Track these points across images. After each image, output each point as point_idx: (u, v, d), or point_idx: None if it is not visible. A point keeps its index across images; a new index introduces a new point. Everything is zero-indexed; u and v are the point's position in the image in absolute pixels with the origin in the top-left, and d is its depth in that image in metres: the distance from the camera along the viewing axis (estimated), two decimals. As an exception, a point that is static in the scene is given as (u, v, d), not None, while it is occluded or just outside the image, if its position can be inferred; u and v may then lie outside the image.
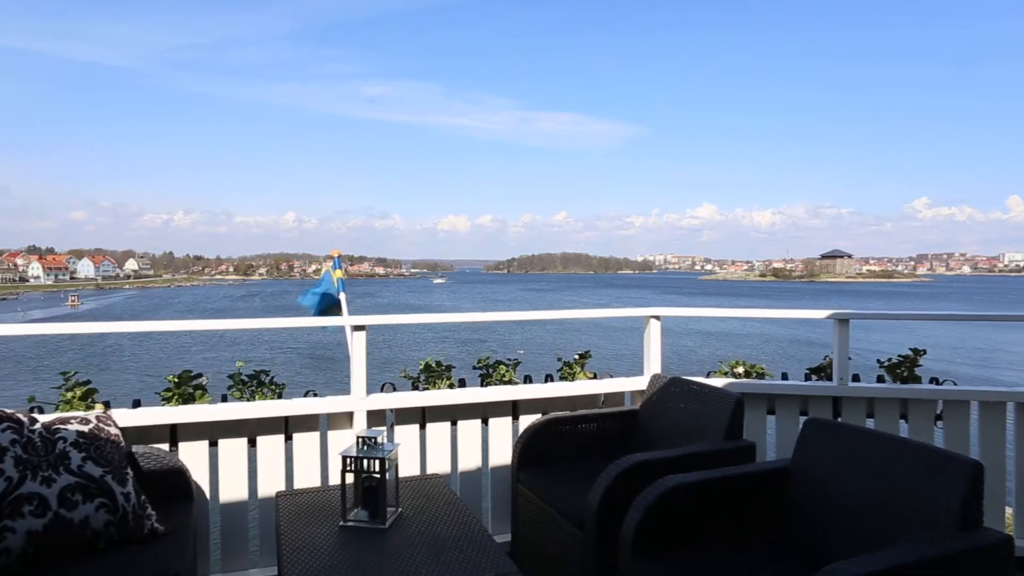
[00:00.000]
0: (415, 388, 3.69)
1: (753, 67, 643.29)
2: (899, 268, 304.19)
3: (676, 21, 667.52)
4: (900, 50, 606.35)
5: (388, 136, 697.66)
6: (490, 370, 3.93)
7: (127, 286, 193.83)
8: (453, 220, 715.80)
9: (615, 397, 3.95)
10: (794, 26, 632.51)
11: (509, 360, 4.01)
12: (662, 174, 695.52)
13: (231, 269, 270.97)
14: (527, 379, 3.90)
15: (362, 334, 3.39)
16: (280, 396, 3.41)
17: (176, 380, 3.26)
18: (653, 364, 3.88)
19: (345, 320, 3.75)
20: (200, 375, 3.34)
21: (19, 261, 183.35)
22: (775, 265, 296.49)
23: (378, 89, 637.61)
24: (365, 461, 2.42)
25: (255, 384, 3.41)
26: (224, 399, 3.29)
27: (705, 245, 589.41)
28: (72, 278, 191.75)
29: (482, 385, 3.80)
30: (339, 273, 5.36)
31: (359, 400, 3.34)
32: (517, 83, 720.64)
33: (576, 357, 4.09)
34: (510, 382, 3.85)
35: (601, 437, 3.57)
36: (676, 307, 4.03)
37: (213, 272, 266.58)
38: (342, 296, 5.27)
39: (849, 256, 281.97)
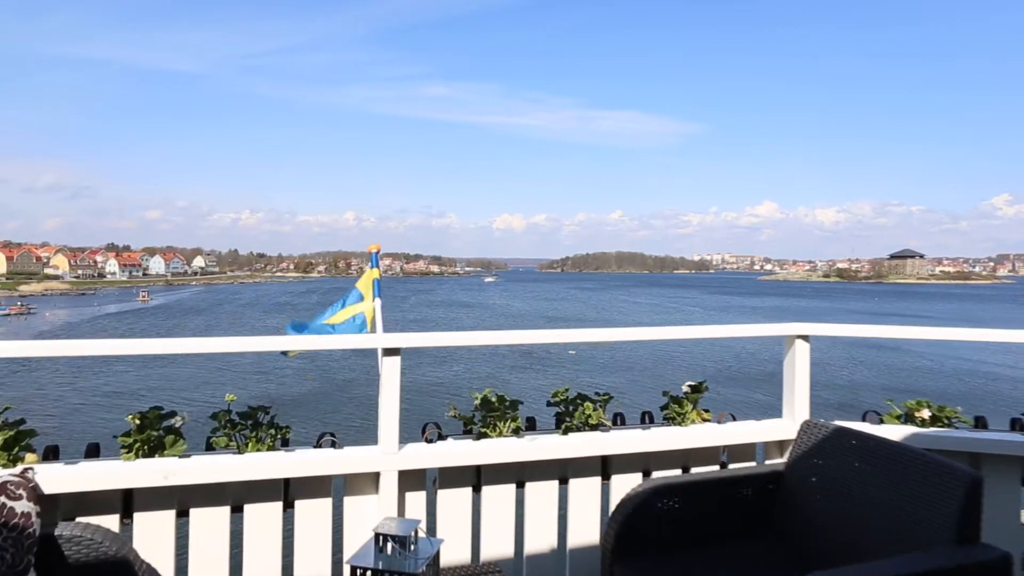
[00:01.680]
0: (467, 431, 2.83)
1: (816, 66, 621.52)
2: (976, 269, 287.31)
3: (738, 17, 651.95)
4: (971, 47, 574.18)
5: (446, 136, 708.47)
6: (569, 407, 2.95)
7: (194, 282, 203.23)
8: (508, 219, 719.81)
9: (742, 450, 2.97)
10: (856, 24, 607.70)
11: (598, 395, 3.01)
12: (721, 172, 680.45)
13: (292, 267, 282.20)
14: (617, 419, 3.01)
15: (396, 360, 2.53)
16: (284, 443, 2.58)
17: (139, 421, 2.43)
18: (799, 404, 2.95)
19: (375, 340, 2.92)
20: (174, 414, 2.51)
21: (98, 258, 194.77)
22: (839, 265, 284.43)
23: (438, 90, 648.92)
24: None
25: (249, 426, 2.55)
26: (208, 447, 2.52)
27: (765, 244, 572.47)
28: (145, 275, 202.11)
29: (559, 429, 2.88)
30: (375, 273, 4.46)
31: (389, 456, 2.49)
32: (578, 81, 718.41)
33: (686, 390, 3.10)
34: (598, 426, 2.92)
35: (731, 512, 2.58)
36: (826, 323, 2.99)
37: (275, 269, 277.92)
38: (376, 303, 4.16)
39: (921, 256, 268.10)
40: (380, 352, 2.56)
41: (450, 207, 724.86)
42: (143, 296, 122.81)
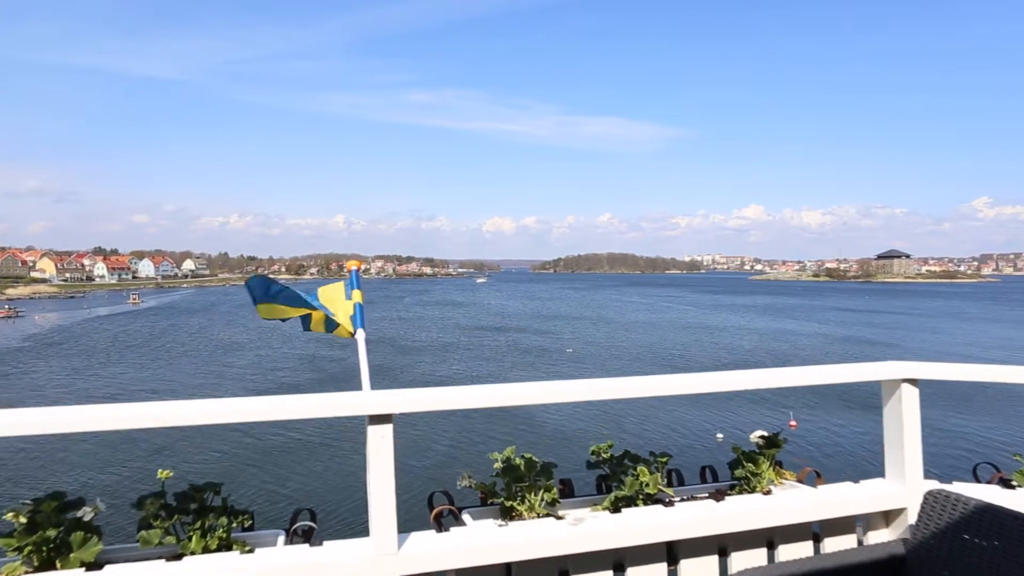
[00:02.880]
0: (486, 503, 2.16)
1: (796, 71, 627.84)
2: (962, 268, 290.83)
3: (723, 24, 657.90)
4: (953, 55, 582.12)
5: (433, 141, 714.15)
6: (615, 469, 2.28)
7: (184, 285, 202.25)
8: (498, 221, 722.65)
9: (839, 523, 2.27)
10: (841, 31, 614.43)
11: (653, 455, 2.29)
12: (707, 175, 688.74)
13: (283, 269, 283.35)
14: (673, 477, 2.34)
15: (387, 429, 1.80)
16: (244, 528, 1.89)
17: (26, 519, 1.66)
18: (911, 464, 2.25)
19: (359, 402, 1.84)
20: (80, 501, 1.74)
21: (86, 262, 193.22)
22: (828, 265, 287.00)
23: (424, 97, 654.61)
24: None
25: (192, 514, 1.81)
26: (140, 539, 1.79)
27: (753, 245, 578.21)
28: (134, 277, 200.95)
29: (605, 498, 2.19)
30: (357, 296, 3.35)
31: (386, 558, 1.77)
32: (561, 89, 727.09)
33: (760, 442, 2.40)
34: (656, 497, 2.20)
35: None
36: (936, 363, 2.32)
37: (266, 272, 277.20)
38: (359, 335, 3.10)
39: (907, 256, 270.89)
40: (367, 420, 1.79)
41: (440, 210, 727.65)
42: (134, 299, 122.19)
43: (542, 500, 2.11)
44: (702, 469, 2.41)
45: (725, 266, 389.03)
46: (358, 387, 2.45)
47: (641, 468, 2.21)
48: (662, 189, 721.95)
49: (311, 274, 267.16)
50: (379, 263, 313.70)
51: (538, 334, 72.41)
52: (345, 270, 3.50)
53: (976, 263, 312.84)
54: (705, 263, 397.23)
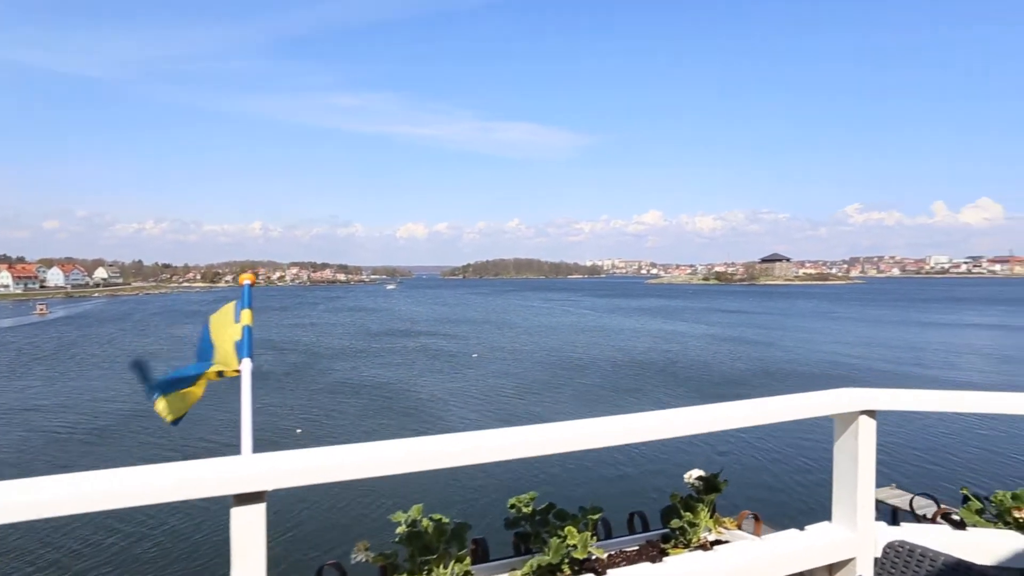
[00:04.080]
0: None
1: (696, 75, 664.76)
2: (833, 271, 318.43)
3: (630, 32, 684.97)
4: (826, 55, 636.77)
5: (353, 146, 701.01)
6: (538, 527, 1.94)
7: (96, 294, 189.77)
8: (411, 227, 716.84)
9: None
10: (735, 35, 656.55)
11: (582, 510, 1.96)
12: (611, 182, 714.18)
13: (199, 277, 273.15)
14: (599, 529, 2.02)
15: (259, 511, 1.42)
16: None
17: None
18: (863, 507, 1.93)
19: (219, 477, 1.35)
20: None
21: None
22: (717, 269, 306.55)
23: (345, 100, 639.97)
24: None
25: None
26: None
27: (650, 250, 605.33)
28: (42, 287, 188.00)
29: (525, 563, 1.84)
30: (246, 317, 2.91)
31: None
32: (479, 94, 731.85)
33: (697, 484, 2.14)
34: (586, 565, 1.84)
35: None
36: (892, 387, 2.04)
37: (181, 280, 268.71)
38: (245, 365, 2.79)
39: (787, 260, 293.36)
40: (231, 501, 1.37)
41: (356, 216, 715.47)
42: (41, 309, 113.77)
43: (452, 573, 1.74)
44: (630, 516, 2.10)
45: (624, 270, 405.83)
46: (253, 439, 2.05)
47: (568, 528, 1.84)
48: (569, 195, 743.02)
49: (226, 282, 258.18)
50: (294, 270, 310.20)
51: (445, 338, 73.81)
52: (239, 282, 3.13)
53: (846, 266, 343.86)
54: (605, 268, 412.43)
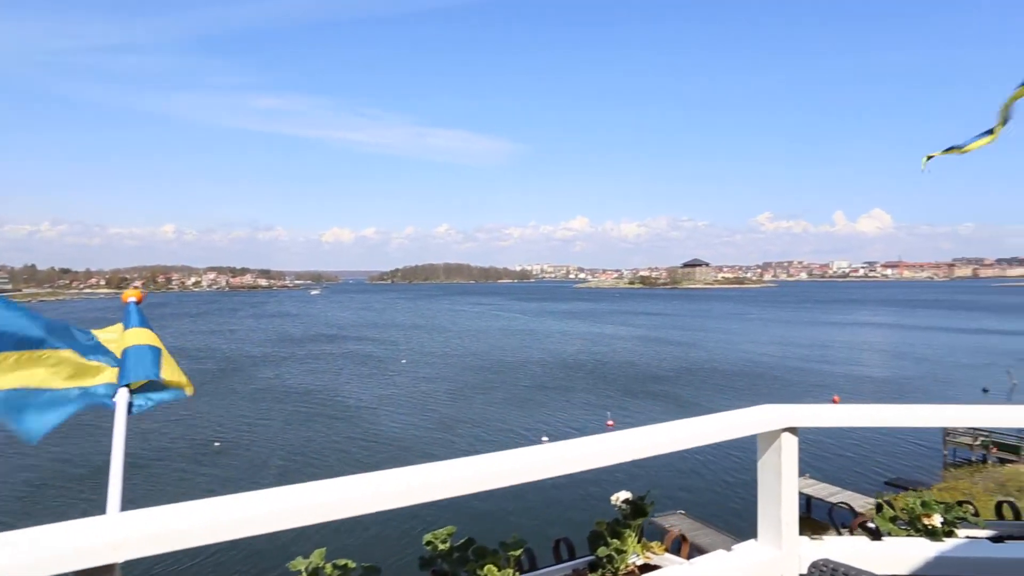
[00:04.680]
0: None
1: (622, 87, 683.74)
2: (749, 275, 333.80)
3: (560, 45, 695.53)
4: (738, 68, 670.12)
5: (276, 148, 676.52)
6: (456, 567, 1.78)
7: None
8: (338, 232, 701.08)
9: None
10: (656, 50, 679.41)
11: (503, 545, 1.84)
12: (540, 188, 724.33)
13: (103, 282, 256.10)
14: (523, 560, 1.86)
15: None
16: None
17: None
18: (788, 524, 1.92)
19: (56, 553, 0.99)
20: None
21: None
22: (642, 273, 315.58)
23: (268, 102, 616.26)
24: None
25: None
26: None
27: (578, 255, 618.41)
28: None
29: None
30: (143, 336, 2.45)
31: None
32: (414, 100, 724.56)
33: (624, 508, 2.04)
34: None
35: None
36: (813, 402, 2.11)
37: (82, 286, 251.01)
38: (121, 397, 2.21)
39: (707, 265, 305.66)
40: None
41: (279, 220, 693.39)
42: None
43: None
44: (556, 543, 1.99)
45: (552, 275, 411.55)
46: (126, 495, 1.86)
47: (488, 567, 1.73)
48: (499, 201, 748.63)
49: (134, 287, 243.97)
50: (211, 275, 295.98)
51: (374, 344, 72.52)
52: (123, 299, 2.61)
53: (760, 270, 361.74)
54: (534, 272, 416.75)
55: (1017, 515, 2.17)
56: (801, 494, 22.66)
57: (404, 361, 58.51)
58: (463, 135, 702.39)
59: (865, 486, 24.44)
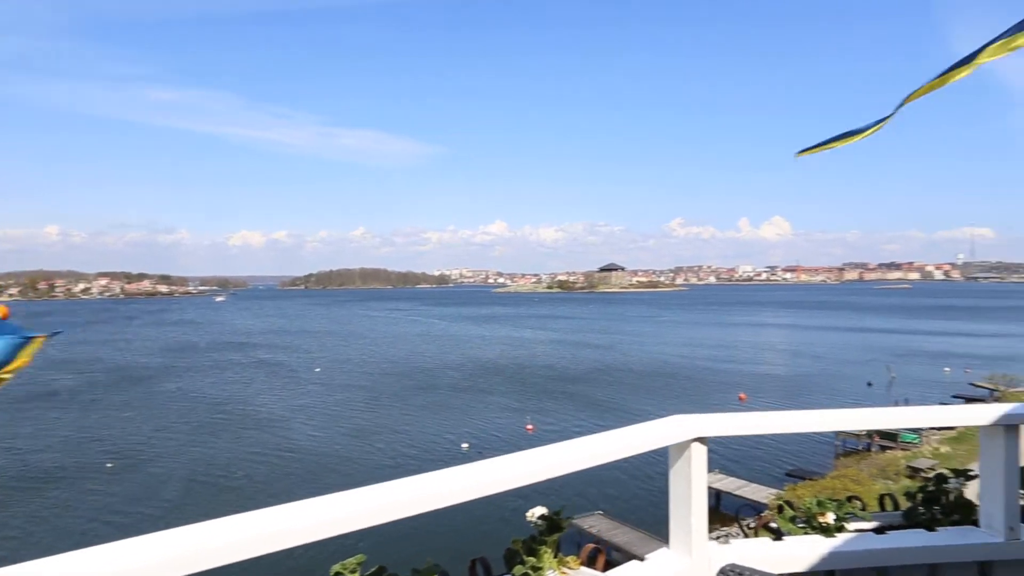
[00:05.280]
0: None
1: (539, 91, 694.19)
2: (662, 279, 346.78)
3: (478, 48, 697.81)
4: (656, 74, 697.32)
5: (177, 146, 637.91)
6: None
7: None
8: (246, 235, 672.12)
9: None
10: (572, 54, 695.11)
11: (416, 573, 1.75)
12: (458, 192, 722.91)
13: None
14: None
15: None
16: None
17: None
18: (698, 531, 1.99)
19: None
20: None
21: None
22: (560, 278, 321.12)
23: (167, 95, 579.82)
24: None
25: None
26: None
27: (497, 260, 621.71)
28: None
29: None
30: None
31: None
32: (323, 99, 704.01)
33: (539, 524, 1.98)
34: None
35: None
36: (721, 414, 2.07)
37: None
38: None
39: (623, 269, 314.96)
40: None
41: (181, 222, 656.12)
42: None
43: None
44: (472, 563, 1.96)
45: (471, 279, 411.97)
46: None
47: None
48: (416, 204, 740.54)
49: (10, 295, 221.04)
50: (103, 281, 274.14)
51: (285, 352, 69.94)
52: None
53: (672, 274, 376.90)
54: (453, 277, 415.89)
55: (896, 506, 2.33)
56: (711, 489, 23.69)
57: (318, 370, 56.70)
58: (378, 136, 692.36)
59: (769, 478, 25.84)
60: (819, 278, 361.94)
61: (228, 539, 1.12)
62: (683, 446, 2.00)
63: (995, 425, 2.07)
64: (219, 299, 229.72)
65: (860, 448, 30.88)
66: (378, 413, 39.22)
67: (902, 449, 29.22)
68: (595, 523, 21.18)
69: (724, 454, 27.33)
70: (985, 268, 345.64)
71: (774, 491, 22.20)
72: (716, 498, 24.15)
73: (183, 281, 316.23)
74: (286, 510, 1.24)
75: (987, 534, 2.13)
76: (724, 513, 22.59)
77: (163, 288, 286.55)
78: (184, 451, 31.01)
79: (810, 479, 24.10)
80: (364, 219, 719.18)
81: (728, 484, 24.45)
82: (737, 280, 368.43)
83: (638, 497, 23.26)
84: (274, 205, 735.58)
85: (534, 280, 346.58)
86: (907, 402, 36.35)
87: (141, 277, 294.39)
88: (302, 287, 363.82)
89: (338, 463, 28.96)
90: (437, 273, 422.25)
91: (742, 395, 42.55)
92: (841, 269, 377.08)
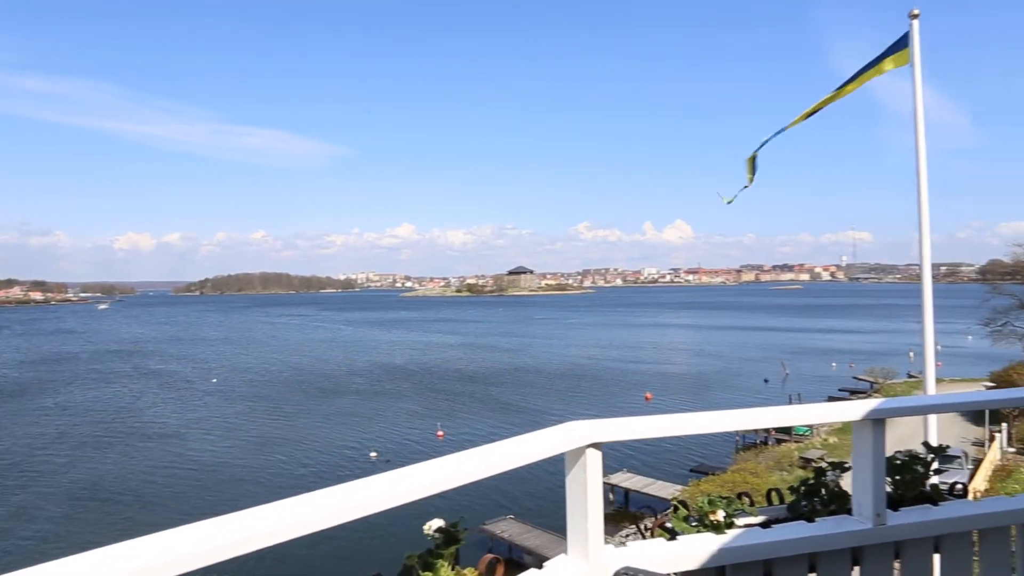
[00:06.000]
0: None
1: (447, 92, 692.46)
2: (570, 282, 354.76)
3: (386, 48, 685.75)
4: (565, 75, 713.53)
5: (51, 139, 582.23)
6: None
7: None
8: (134, 237, 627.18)
9: None
10: (480, 57, 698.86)
11: None
12: (364, 194, 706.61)
13: None
14: None
15: None
16: None
17: None
18: (595, 537, 2.00)
19: None
20: None
21: None
22: (469, 281, 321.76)
23: (38, 84, 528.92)
24: None
25: None
26: None
27: (405, 263, 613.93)
28: None
29: None
30: None
31: None
32: (220, 94, 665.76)
33: (436, 537, 1.88)
34: None
35: None
36: (615, 419, 2.09)
37: None
38: None
39: (531, 272, 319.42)
40: None
41: (57, 223, 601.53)
42: None
43: None
44: None
45: (379, 284, 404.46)
46: None
47: None
48: (320, 206, 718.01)
49: None
50: None
51: (179, 362, 65.88)
52: None
53: (580, 277, 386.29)
54: (360, 281, 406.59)
55: (782, 500, 2.45)
56: (619, 488, 24.37)
57: (215, 380, 53.78)
58: (278, 135, 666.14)
59: (675, 475, 26.85)
60: (719, 279, 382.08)
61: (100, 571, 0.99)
62: (578, 452, 1.99)
63: (864, 420, 2.22)
64: (102, 307, 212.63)
65: (758, 441, 32.52)
66: (281, 424, 37.70)
67: (796, 441, 30.98)
68: (506, 528, 21.27)
69: (631, 453, 28.24)
70: (865, 269, 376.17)
71: (679, 487, 23.11)
72: (625, 497, 24.98)
73: (61, 288, 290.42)
74: (164, 538, 1.10)
75: (858, 521, 2.27)
76: (633, 512, 23.42)
77: (37, 295, 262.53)
78: (65, 472, 28.52)
79: (713, 474, 25.11)
80: (265, 221, 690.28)
81: (636, 483, 25.21)
82: (643, 282, 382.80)
83: (548, 499, 23.57)
84: (166, 206, 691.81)
85: (443, 283, 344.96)
86: (800, 397, 39.16)
87: (10, 283, 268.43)
88: (197, 293, 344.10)
89: (237, 479, 27.57)
90: (343, 277, 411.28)
91: (648, 395, 44.06)
92: (739, 271, 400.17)
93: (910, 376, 43.95)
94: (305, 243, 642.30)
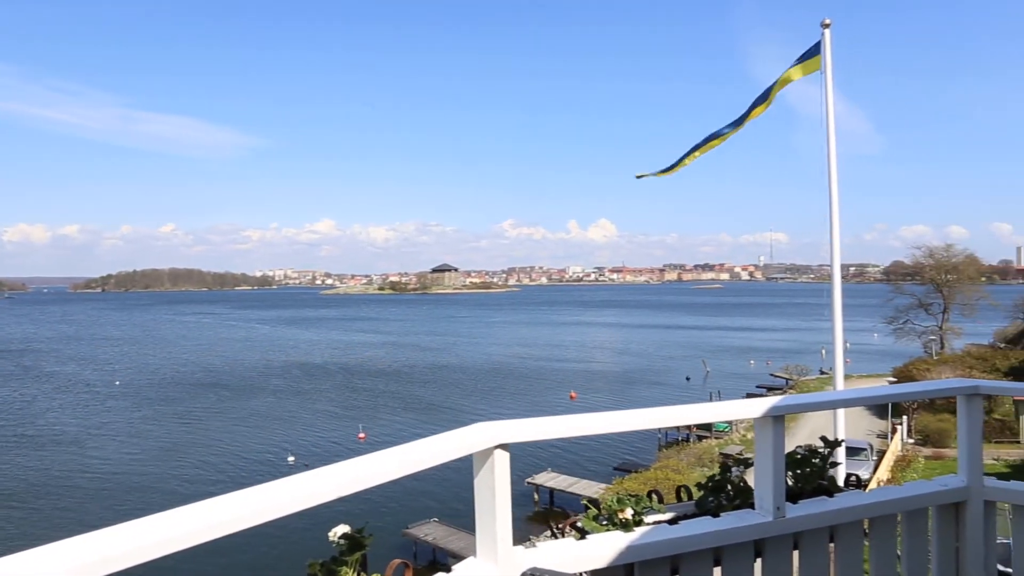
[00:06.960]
0: None
1: (371, 85, 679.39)
2: (495, 280, 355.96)
3: (308, 39, 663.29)
4: (496, 72, 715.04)
5: None
6: None
7: None
8: (26, 229, 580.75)
9: None
10: (409, 51, 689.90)
11: None
12: (282, 188, 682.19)
13: None
14: None
15: None
16: None
17: None
18: (503, 539, 1.97)
19: None
20: None
21: None
22: (392, 279, 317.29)
23: None
24: None
25: None
26: None
27: (325, 260, 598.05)
28: None
29: None
30: None
31: None
32: (124, 77, 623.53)
33: (341, 543, 1.86)
34: None
35: None
36: (521, 417, 2.20)
37: None
38: None
39: (456, 270, 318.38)
40: None
41: None
42: None
43: None
44: None
45: (297, 281, 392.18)
46: None
47: None
48: (235, 200, 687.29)
49: None
50: None
51: (78, 364, 61.57)
52: None
53: (505, 275, 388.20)
54: (277, 278, 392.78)
55: (690, 496, 2.53)
56: (544, 488, 24.53)
57: (118, 383, 50.59)
58: (188, 122, 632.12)
59: (599, 474, 27.29)
60: (643, 278, 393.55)
61: None
62: (486, 453, 1.97)
63: (765, 417, 2.31)
64: None
65: (680, 439, 33.36)
66: (191, 428, 35.91)
67: (716, 437, 31.94)
68: (430, 531, 21.07)
69: (557, 452, 28.58)
70: (781, 269, 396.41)
71: (604, 486, 23.49)
72: (550, 496, 25.22)
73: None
74: (63, 547, 1.02)
75: (760, 515, 2.36)
76: (557, 511, 23.67)
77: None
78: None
79: (636, 472, 25.57)
80: (174, 215, 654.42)
81: (561, 482, 25.45)
82: (568, 281, 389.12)
83: (471, 500, 23.49)
84: (62, 195, 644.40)
85: (365, 281, 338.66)
86: (720, 394, 40.70)
87: None
88: (98, 290, 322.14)
89: (142, 487, 26.07)
90: (259, 274, 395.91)
91: (573, 394, 44.68)
92: (662, 270, 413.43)
93: (822, 372, 46.49)
94: (219, 238, 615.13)
